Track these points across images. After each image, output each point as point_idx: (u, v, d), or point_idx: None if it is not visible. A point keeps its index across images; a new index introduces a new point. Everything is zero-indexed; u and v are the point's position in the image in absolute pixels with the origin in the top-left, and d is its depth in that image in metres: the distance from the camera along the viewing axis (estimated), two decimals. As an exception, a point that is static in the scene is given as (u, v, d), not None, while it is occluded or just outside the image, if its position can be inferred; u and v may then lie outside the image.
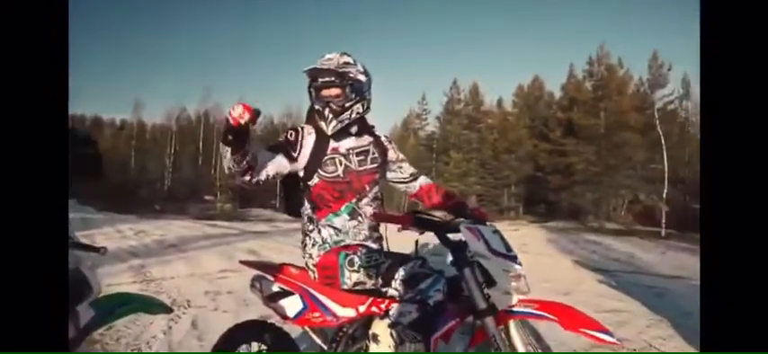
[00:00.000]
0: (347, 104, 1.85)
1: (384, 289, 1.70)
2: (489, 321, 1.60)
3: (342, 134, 1.88)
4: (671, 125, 28.09)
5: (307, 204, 1.90)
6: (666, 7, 41.28)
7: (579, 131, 29.34)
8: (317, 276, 1.84)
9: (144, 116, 40.93)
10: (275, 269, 1.92)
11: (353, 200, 1.86)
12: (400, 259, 1.74)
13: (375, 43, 58.45)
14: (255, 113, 1.53)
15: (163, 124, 40.01)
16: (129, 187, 30.47)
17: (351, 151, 1.89)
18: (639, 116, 27.60)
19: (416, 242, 1.81)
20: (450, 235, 1.71)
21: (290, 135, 1.88)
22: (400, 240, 1.82)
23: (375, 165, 1.93)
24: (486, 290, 1.63)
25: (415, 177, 2.08)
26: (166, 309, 1.94)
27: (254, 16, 62.33)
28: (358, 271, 1.75)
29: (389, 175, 2.05)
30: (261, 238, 11.28)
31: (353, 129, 1.90)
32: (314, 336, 1.87)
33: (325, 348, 1.84)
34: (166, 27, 60.90)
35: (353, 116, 1.87)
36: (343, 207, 1.85)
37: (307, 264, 1.88)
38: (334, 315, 1.75)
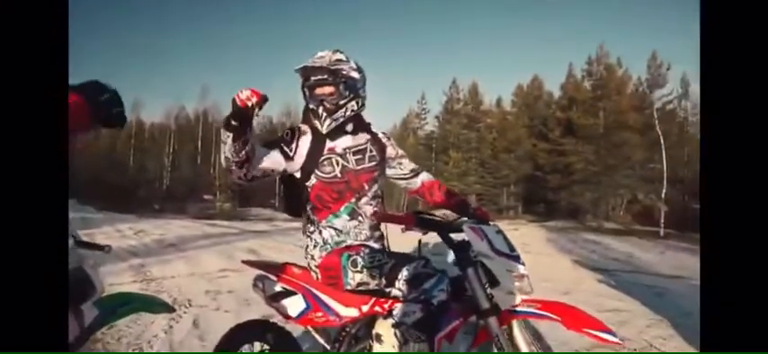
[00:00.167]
0: (341, 102, 1.83)
1: (387, 289, 1.69)
2: (493, 321, 1.60)
3: (338, 133, 1.86)
4: (670, 125, 28.10)
5: (306, 205, 1.89)
6: (666, 7, 41.41)
7: (578, 131, 29.36)
8: (319, 277, 1.83)
9: (143, 115, 40.86)
10: (278, 269, 1.91)
11: (353, 200, 1.84)
12: (403, 259, 1.73)
13: (374, 43, 58.56)
14: (263, 98, 1.54)
15: (161, 123, 40.01)
16: (128, 186, 30.41)
17: (348, 150, 1.87)
18: (638, 116, 27.61)
19: (419, 241, 1.81)
20: (453, 235, 1.72)
21: (287, 134, 1.86)
22: (399, 237, 1.82)
23: (373, 164, 1.91)
24: (489, 290, 1.63)
25: (415, 173, 2.06)
26: (168, 308, 1.94)
27: (253, 15, 62.25)
28: (361, 272, 1.74)
29: (389, 172, 2.03)
30: (261, 237, 11.27)
31: (349, 127, 1.88)
32: (317, 336, 1.87)
33: (328, 348, 1.84)
34: (165, 26, 60.78)
35: (348, 114, 1.85)
36: (342, 208, 1.83)
37: (309, 265, 1.88)
38: (337, 315, 1.75)
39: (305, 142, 1.84)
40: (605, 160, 27.64)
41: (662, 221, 22.10)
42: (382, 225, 1.92)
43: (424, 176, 2.09)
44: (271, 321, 2.12)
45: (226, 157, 1.65)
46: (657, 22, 45.44)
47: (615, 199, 28.97)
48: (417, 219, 1.66)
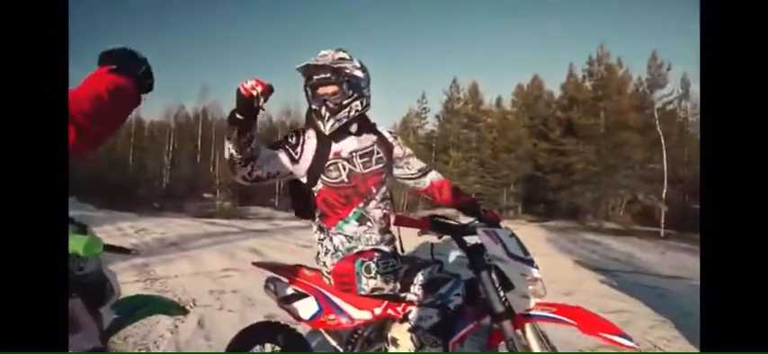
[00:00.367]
0: (345, 102, 1.78)
1: (402, 294, 1.69)
2: (507, 324, 1.61)
3: (342, 134, 1.82)
4: (670, 125, 28.10)
5: (315, 212, 1.86)
6: (666, 7, 41.41)
7: (578, 131, 29.35)
8: (332, 283, 1.82)
9: (142, 113, 40.76)
10: (289, 271, 1.91)
11: (361, 205, 1.81)
12: (418, 263, 1.73)
13: (375, 42, 58.50)
14: (268, 88, 1.48)
15: (161, 121, 39.91)
16: (128, 184, 30.34)
17: (354, 154, 1.83)
18: (639, 116, 27.61)
19: (432, 245, 1.81)
20: (467, 238, 1.72)
21: (291, 137, 1.82)
22: (406, 238, 1.80)
23: (380, 165, 1.87)
24: (503, 294, 1.64)
25: (424, 173, 2.03)
26: (182, 310, 1.96)
27: (253, 14, 62.22)
28: (375, 278, 1.72)
29: (397, 172, 1.99)
30: (262, 236, 11.26)
31: (353, 128, 1.84)
32: (329, 338, 1.87)
33: (341, 350, 1.84)
34: (165, 26, 60.69)
35: (352, 114, 1.80)
36: (350, 214, 1.81)
37: (321, 272, 1.86)
38: (350, 318, 1.74)
39: (310, 146, 1.80)
40: (606, 160, 27.63)
41: (662, 221, 22.12)
42: (393, 228, 1.91)
43: (433, 175, 2.06)
44: (281, 322, 2.12)
45: (230, 154, 1.61)
46: (657, 22, 45.51)
47: (615, 199, 28.96)
48: (433, 223, 1.67)
